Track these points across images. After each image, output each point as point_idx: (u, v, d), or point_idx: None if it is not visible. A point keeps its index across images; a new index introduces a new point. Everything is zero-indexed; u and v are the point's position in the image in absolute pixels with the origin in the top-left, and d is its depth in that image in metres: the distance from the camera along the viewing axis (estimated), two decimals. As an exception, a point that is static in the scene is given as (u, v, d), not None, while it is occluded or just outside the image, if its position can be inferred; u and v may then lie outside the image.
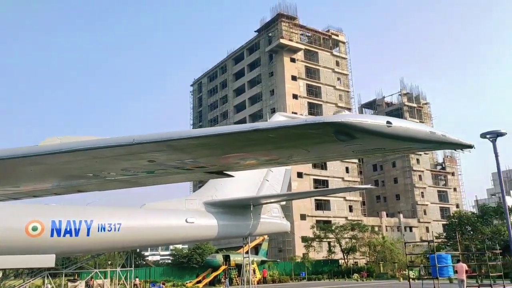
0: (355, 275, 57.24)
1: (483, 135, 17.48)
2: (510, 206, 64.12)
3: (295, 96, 79.54)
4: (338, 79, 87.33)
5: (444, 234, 65.06)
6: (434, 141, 6.72)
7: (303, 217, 73.36)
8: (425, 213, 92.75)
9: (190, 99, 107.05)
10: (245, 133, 5.90)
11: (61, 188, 9.16)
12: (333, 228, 64.88)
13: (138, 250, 71.20)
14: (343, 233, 64.57)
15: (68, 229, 22.22)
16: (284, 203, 34.37)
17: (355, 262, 68.75)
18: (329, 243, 67.34)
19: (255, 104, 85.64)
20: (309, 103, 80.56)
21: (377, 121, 6.01)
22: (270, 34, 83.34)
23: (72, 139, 6.69)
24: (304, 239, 67.11)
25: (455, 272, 27.26)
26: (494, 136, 17.08)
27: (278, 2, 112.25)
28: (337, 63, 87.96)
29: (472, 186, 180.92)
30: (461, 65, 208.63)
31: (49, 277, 26.53)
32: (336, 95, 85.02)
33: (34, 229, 21.39)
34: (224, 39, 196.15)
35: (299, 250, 68.67)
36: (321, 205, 77.71)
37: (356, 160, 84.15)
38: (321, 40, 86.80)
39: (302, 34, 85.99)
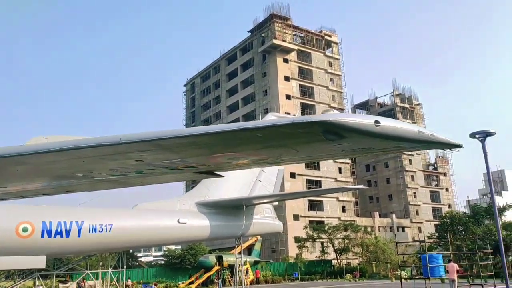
0: (348, 275, 57.36)
1: (472, 135, 17.58)
2: (500, 206, 64.75)
3: (288, 97, 79.62)
4: (331, 79, 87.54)
5: (436, 234, 65.41)
6: (422, 140, 6.75)
7: (296, 217, 73.41)
8: (417, 213, 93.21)
9: (183, 99, 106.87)
10: (233, 132, 5.87)
11: (49, 188, 9.07)
12: (326, 229, 64.97)
13: (130, 251, 70.93)
14: (336, 233, 64.69)
15: (58, 230, 22.04)
16: (276, 203, 34.39)
17: (348, 263, 68.92)
18: (322, 243, 67.43)
19: (248, 104, 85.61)
20: (302, 104, 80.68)
21: (365, 120, 6.01)
22: (263, 35, 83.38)
23: (59, 139, 6.62)
24: (297, 239, 67.17)
25: (446, 272, 27.39)
26: (483, 136, 17.17)
27: (271, 2, 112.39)
28: (330, 64, 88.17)
29: (464, 186, 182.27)
30: (455, 65, 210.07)
31: (40, 278, 26.29)
32: (329, 96, 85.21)
33: (25, 230, 21.20)
34: (217, 39, 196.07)
35: (292, 250, 68.71)
36: (314, 206, 77.82)
37: (349, 161, 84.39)
38: (314, 40, 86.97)
39: (295, 35, 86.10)
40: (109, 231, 23.62)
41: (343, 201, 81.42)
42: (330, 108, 77.74)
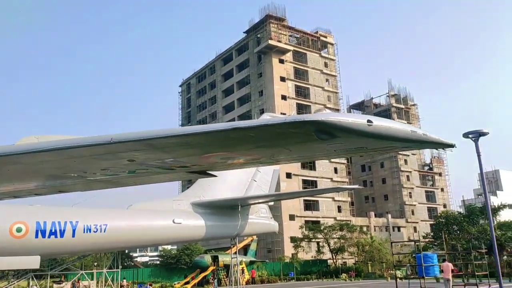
0: (343, 275, 57.42)
1: (465, 135, 17.63)
2: (495, 206, 65.05)
3: (283, 97, 79.66)
4: (327, 80, 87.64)
5: (432, 234, 65.62)
6: (415, 140, 6.74)
7: (292, 217, 73.45)
8: (413, 213, 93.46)
9: (179, 99, 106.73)
10: (225, 132, 5.85)
11: (42, 188, 9.02)
12: (321, 229, 65.05)
13: (126, 251, 70.74)
14: (331, 233, 64.76)
15: (53, 230, 21.97)
16: (272, 203, 34.39)
17: (343, 262, 68.99)
18: (318, 243, 67.50)
19: (244, 105, 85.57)
20: (297, 104, 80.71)
21: (357, 120, 6.00)
22: (258, 35, 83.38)
23: (50, 138, 6.58)
24: (293, 239, 67.21)
25: (441, 271, 27.47)
26: (476, 136, 17.23)
27: (266, 3, 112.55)
28: (326, 65, 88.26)
29: (459, 186, 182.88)
30: (450, 65, 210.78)
31: (34, 278, 26.15)
32: (324, 96, 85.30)
33: (19, 230, 21.11)
34: (213, 40, 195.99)
35: (288, 250, 68.74)
36: (310, 206, 77.88)
37: (345, 161, 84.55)
38: (310, 41, 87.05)
39: (290, 36, 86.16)
40: (104, 231, 23.56)
41: (339, 201, 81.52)
42: (324, 108, 77.98)
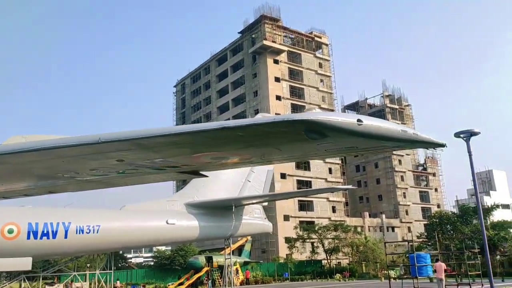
0: (338, 275, 57.46)
1: (457, 135, 17.70)
2: (489, 206, 65.41)
3: (278, 98, 79.67)
4: (321, 80, 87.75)
5: (425, 234, 65.83)
6: (406, 139, 6.72)
7: (286, 218, 73.45)
8: (407, 213, 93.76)
9: (174, 100, 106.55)
10: (214, 131, 5.79)
11: (31, 189, 8.92)
12: (316, 229, 65.09)
13: (120, 252, 70.45)
14: (326, 233, 64.81)
15: (45, 232, 21.84)
16: (266, 204, 34.37)
17: (338, 263, 69.05)
18: (312, 243, 67.52)
19: (239, 105, 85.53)
20: (292, 105, 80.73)
21: (347, 119, 5.96)
22: (253, 36, 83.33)
23: (37, 138, 6.50)
24: (288, 239, 67.18)
25: (434, 271, 27.55)
26: (467, 135, 17.31)
27: (261, 4, 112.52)
28: (320, 65, 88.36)
29: (453, 186, 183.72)
30: (444, 65, 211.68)
31: (26, 280, 25.96)
32: (319, 97, 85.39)
33: (10, 231, 20.97)
34: (207, 40, 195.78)
35: (283, 251, 68.71)
36: (304, 206, 77.91)
37: (339, 161, 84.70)
38: (304, 42, 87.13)
39: (285, 36, 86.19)
40: (97, 232, 23.44)
41: (333, 201, 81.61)
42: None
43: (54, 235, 21.98)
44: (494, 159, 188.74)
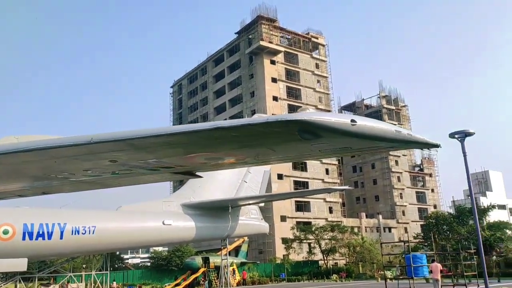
0: (334, 276, 57.48)
1: (451, 135, 17.77)
2: (485, 207, 65.55)
3: (275, 98, 79.64)
4: (318, 81, 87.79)
5: (422, 234, 65.93)
6: (400, 140, 6.72)
7: (283, 218, 73.43)
8: (403, 214, 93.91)
9: (170, 100, 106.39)
10: (207, 132, 5.77)
11: (25, 189, 8.88)
12: (313, 229, 65.09)
13: (117, 253, 70.29)
14: (323, 234, 64.81)
15: (40, 232, 21.79)
16: (263, 204, 34.39)
17: (335, 263, 69.11)
18: (309, 244, 67.53)
19: (236, 106, 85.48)
20: (289, 105, 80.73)
21: (341, 119, 5.96)
22: (250, 36, 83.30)
23: (30, 138, 6.47)
24: (285, 240, 67.15)
25: (430, 272, 27.59)
26: (462, 136, 17.37)
27: (258, 4, 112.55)
28: (317, 66, 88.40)
29: (449, 187, 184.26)
30: (441, 66, 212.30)
31: (22, 281, 25.86)
32: (316, 97, 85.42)
33: (5, 232, 20.92)
34: (204, 41, 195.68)
35: (280, 251, 68.71)
36: (301, 207, 77.92)
37: (336, 162, 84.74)
38: (301, 42, 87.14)
39: (282, 37, 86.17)
40: (93, 233, 23.40)
41: (330, 202, 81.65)
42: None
43: (50, 236, 21.94)
44: (491, 160, 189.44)
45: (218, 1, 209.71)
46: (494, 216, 66.21)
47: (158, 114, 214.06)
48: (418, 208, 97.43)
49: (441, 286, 27.30)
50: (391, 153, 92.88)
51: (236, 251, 60.46)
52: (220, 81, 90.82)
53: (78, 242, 22.85)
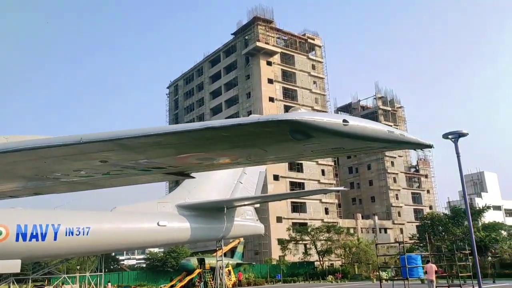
0: (330, 277, 57.48)
1: (445, 136, 17.78)
2: (480, 208, 65.74)
3: (271, 99, 79.69)
4: (314, 82, 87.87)
5: (417, 235, 66.05)
6: (392, 140, 6.69)
7: (279, 219, 73.40)
8: (399, 215, 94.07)
9: (166, 101, 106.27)
10: (197, 132, 5.71)
11: (16, 190, 8.79)
12: (309, 230, 65.08)
13: (113, 254, 70.05)
14: (318, 235, 64.82)
15: (34, 234, 21.61)
16: (258, 205, 34.31)
17: (330, 264, 69.11)
18: (305, 245, 67.52)
19: (232, 106, 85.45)
20: (285, 106, 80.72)
21: (333, 119, 5.92)
22: (246, 37, 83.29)
23: (20, 138, 6.40)
24: (280, 241, 67.11)
25: (425, 272, 27.61)
26: (455, 136, 17.39)
27: (254, 5, 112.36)
28: (313, 67, 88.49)
29: (445, 188, 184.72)
30: (437, 67, 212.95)
31: (15, 283, 25.70)
32: (312, 98, 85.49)
33: (-2, 233, 20.73)
34: (200, 41, 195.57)
35: (276, 252, 68.65)
36: (297, 208, 77.89)
37: (332, 163, 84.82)
38: (297, 43, 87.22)
39: (278, 38, 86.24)
40: (87, 234, 23.24)
41: (326, 203, 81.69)
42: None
43: (43, 237, 21.76)
44: (486, 161, 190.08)
45: (215, 2, 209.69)
46: (489, 217, 66.42)
47: (156, 115, 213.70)
48: (414, 209, 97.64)
49: (436, 287, 27.33)
50: (387, 154, 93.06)
51: (232, 252, 60.37)
52: (217, 82, 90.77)
53: (72, 243, 22.68)
